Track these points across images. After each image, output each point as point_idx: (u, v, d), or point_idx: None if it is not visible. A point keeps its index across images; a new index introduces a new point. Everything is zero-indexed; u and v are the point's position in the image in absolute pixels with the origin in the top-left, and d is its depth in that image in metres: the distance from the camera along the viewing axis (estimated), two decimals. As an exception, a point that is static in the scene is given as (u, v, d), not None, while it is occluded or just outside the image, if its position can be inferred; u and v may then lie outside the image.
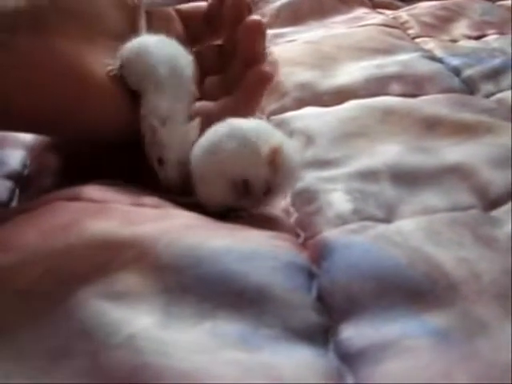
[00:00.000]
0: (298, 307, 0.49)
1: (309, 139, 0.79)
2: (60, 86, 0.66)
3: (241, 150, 0.62)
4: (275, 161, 0.61)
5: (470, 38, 1.20)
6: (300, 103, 0.92)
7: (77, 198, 0.63)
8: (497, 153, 0.72)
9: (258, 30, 0.77)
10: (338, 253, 0.56)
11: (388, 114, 0.84)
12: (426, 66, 1.01)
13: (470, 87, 0.95)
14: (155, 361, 0.42)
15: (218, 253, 0.53)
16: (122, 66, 0.69)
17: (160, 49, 0.70)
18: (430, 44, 1.15)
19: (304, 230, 0.63)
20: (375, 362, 0.43)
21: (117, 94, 0.69)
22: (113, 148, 0.70)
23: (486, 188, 0.66)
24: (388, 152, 0.74)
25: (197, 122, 0.67)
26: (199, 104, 0.74)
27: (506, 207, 0.62)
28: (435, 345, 0.44)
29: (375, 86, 0.94)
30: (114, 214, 0.59)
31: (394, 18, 1.32)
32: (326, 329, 0.48)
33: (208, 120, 0.69)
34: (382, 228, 0.59)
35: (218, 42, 0.84)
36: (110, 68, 0.69)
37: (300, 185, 0.68)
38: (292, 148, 0.63)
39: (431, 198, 0.65)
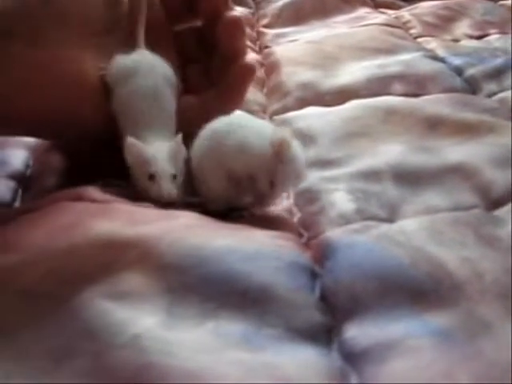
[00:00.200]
0: (301, 307, 0.49)
1: (311, 139, 0.79)
2: (57, 89, 0.67)
3: (243, 145, 0.62)
4: (281, 152, 0.60)
5: (471, 37, 1.20)
6: (302, 103, 0.92)
7: (80, 198, 0.63)
8: (499, 152, 0.72)
9: (237, 27, 0.77)
10: (341, 252, 0.56)
11: (390, 113, 0.84)
12: (428, 66, 1.01)
13: (472, 87, 0.95)
14: (160, 360, 0.42)
15: (221, 253, 0.53)
16: (110, 79, 0.70)
17: (145, 75, 0.70)
18: (432, 44, 1.15)
19: (307, 230, 0.63)
20: (379, 362, 0.43)
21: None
22: (113, 148, 0.70)
23: (488, 188, 0.66)
24: (390, 152, 0.74)
25: (179, 137, 0.67)
26: (182, 99, 0.73)
27: (508, 207, 0.62)
28: (438, 345, 0.44)
29: (377, 86, 0.94)
30: (118, 214, 0.59)
31: (396, 17, 1.33)
32: (330, 329, 0.48)
33: (191, 114, 0.69)
34: (384, 228, 0.59)
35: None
36: (102, 72, 0.69)
37: (303, 185, 0.68)
38: (296, 143, 0.63)
39: (433, 197, 0.65)
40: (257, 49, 1.21)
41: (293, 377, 0.42)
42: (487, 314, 0.47)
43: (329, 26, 1.27)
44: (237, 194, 0.64)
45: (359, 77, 0.97)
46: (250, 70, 0.77)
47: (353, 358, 0.45)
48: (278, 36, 1.25)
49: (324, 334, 0.47)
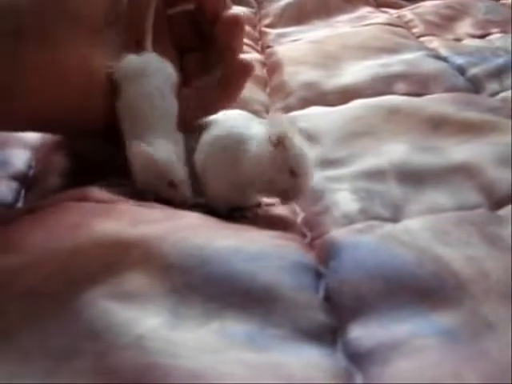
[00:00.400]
0: (305, 307, 0.49)
1: (314, 139, 0.79)
2: (66, 86, 0.67)
3: (245, 151, 0.62)
4: (282, 144, 0.60)
5: (474, 36, 1.20)
6: (305, 103, 0.92)
7: (84, 199, 0.63)
8: (502, 152, 0.71)
9: (237, 25, 0.77)
10: (346, 252, 0.56)
11: (393, 113, 0.84)
12: (430, 65, 1.01)
13: (475, 86, 0.95)
14: (164, 361, 0.42)
15: (224, 253, 0.53)
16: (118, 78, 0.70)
17: (152, 76, 0.70)
18: (435, 43, 1.15)
19: (310, 230, 0.63)
20: (384, 362, 0.43)
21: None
22: (115, 146, 0.70)
23: (491, 187, 0.65)
24: (394, 151, 0.74)
25: (180, 137, 0.67)
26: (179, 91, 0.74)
27: (510, 207, 0.62)
28: (444, 344, 0.44)
29: (380, 86, 0.94)
30: (122, 214, 0.59)
31: (399, 16, 1.33)
32: (334, 329, 0.48)
33: (187, 107, 0.69)
34: (388, 227, 0.59)
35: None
36: (110, 71, 0.69)
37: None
38: (293, 131, 0.62)
39: (437, 197, 0.65)
40: (259, 48, 1.21)
41: (298, 377, 0.42)
42: (492, 313, 0.47)
43: (331, 25, 1.27)
44: (243, 197, 0.64)
45: (362, 76, 0.97)
46: (247, 67, 0.77)
47: (358, 359, 0.45)
48: (281, 36, 1.25)
49: (328, 335, 0.47)
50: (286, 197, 0.63)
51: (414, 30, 1.23)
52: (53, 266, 0.52)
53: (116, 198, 0.64)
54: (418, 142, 0.76)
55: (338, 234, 0.60)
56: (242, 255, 0.53)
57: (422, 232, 0.57)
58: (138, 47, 0.72)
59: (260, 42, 1.25)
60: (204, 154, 0.65)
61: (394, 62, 1.01)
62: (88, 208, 0.61)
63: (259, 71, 1.06)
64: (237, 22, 0.77)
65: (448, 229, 0.58)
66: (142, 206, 0.62)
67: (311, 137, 0.79)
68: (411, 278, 0.51)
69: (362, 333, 0.47)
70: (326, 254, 0.57)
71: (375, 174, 0.69)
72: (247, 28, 1.27)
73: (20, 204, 0.71)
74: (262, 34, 1.29)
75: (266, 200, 0.67)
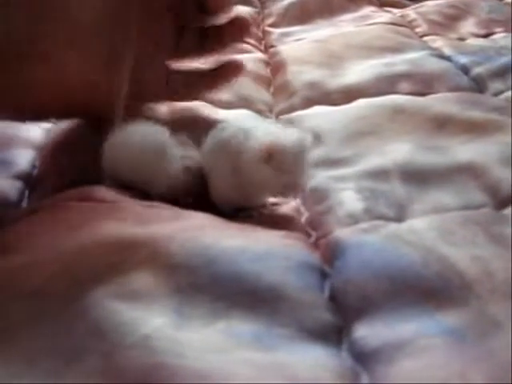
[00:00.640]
0: (311, 307, 0.49)
1: (318, 138, 0.79)
2: (68, 99, 0.68)
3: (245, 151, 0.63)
4: (272, 157, 0.61)
5: (477, 36, 1.20)
6: (309, 102, 0.92)
7: (88, 198, 0.63)
8: (507, 151, 0.71)
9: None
10: (351, 252, 0.56)
11: (397, 112, 0.84)
12: (434, 65, 1.01)
13: (479, 85, 0.95)
14: (170, 361, 0.42)
15: (230, 253, 0.53)
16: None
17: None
18: (438, 42, 1.15)
19: (315, 230, 0.63)
20: (390, 362, 0.43)
21: None
22: None
23: (496, 186, 0.65)
24: (398, 151, 0.74)
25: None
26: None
27: (516, 206, 0.62)
28: (450, 344, 0.44)
29: (384, 85, 0.94)
30: (127, 214, 0.59)
31: (402, 16, 1.33)
32: (340, 328, 0.48)
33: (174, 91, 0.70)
34: (393, 227, 0.59)
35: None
36: None
37: (310, 184, 0.68)
38: (290, 140, 0.63)
39: (442, 196, 0.65)
40: (262, 48, 1.21)
41: (304, 377, 0.42)
42: (498, 313, 0.47)
43: (335, 24, 1.27)
44: (247, 197, 0.65)
45: (366, 76, 0.96)
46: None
47: (363, 358, 0.45)
48: (284, 35, 1.25)
49: (334, 334, 0.47)
50: (288, 194, 0.65)
51: (418, 30, 1.23)
52: (57, 266, 0.52)
53: (120, 197, 0.64)
54: (422, 142, 0.76)
55: (343, 233, 0.60)
56: (247, 255, 0.53)
57: (427, 232, 0.57)
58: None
59: (263, 42, 1.25)
60: (209, 156, 0.65)
61: (398, 62, 1.01)
62: (92, 208, 0.61)
63: (263, 71, 1.06)
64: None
65: (453, 228, 0.58)
66: (147, 205, 0.62)
67: (315, 136, 0.79)
68: (416, 277, 0.51)
69: (368, 332, 0.47)
70: (331, 253, 0.57)
71: (379, 174, 0.69)
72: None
73: (24, 204, 0.71)
74: (266, 33, 1.29)
75: (271, 200, 0.67)
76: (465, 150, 0.73)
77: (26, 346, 0.46)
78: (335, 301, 0.51)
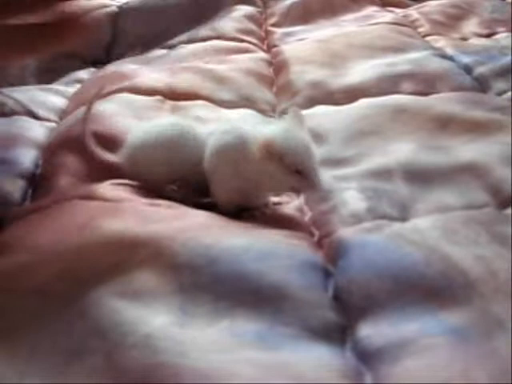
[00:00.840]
0: (314, 306, 0.49)
1: (321, 138, 0.79)
2: None
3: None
4: (270, 152, 0.61)
5: (480, 35, 1.20)
6: (311, 102, 0.92)
7: (91, 197, 0.63)
8: (509, 151, 0.71)
9: None
10: (354, 252, 0.56)
11: (400, 112, 0.84)
12: (437, 64, 1.01)
13: (481, 85, 0.95)
14: (172, 360, 0.42)
15: (234, 252, 0.53)
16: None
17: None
18: (441, 42, 1.14)
19: (318, 229, 0.63)
20: (394, 361, 0.43)
21: None
22: None
23: (499, 186, 0.65)
24: (401, 150, 0.74)
25: None
26: None
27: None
28: (453, 343, 0.44)
29: (386, 85, 0.94)
30: (130, 213, 0.59)
31: (404, 16, 1.33)
32: (343, 328, 0.48)
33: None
34: (396, 226, 0.59)
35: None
36: None
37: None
38: (286, 136, 0.63)
39: (445, 196, 0.64)
40: (265, 48, 1.21)
41: (308, 376, 0.42)
42: (501, 312, 0.47)
43: (337, 24, 1.27)
44: (249, 198, 0.65)
45: (368, 75, 0.96)
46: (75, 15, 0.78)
47: (367, 357, 0.45)
48: (286, 35, 1.25)
49: (338, 333, 0.47)
50: (298, 192, 0.65)
51: (420, 30, 1.23)
52: (59, 265, 0.52)
53: (123, 197, 0.64)
54: (424, 142, 0.76)
55: (346, 233, 0.60)
56: (251, 254, 0.53)
57: (431, 231, 0.57)
58: None
59: (266, 41, 1.25)
60: (211, 158, 0.66)
61: (400, 62, 1.01)
62: (95, 206, 0.61)
63: (265, 70, 1.06)
64: None
65: (456, 228, 0.58)
66: (151, 204, 0.62)
67: (318, 136, 0.79)
68: (420, 276, 0.51)
69: (371, 332, 0.47)
70: (335, 253, 0.57)
71: (382, 173, 0.69)
72: (253, 27, 1.28)
73: (27, 202, 0.71)
74: (268, 33, 1.29)
75: (274, 199, 0.67)
76: (467, 150, 0.73)
77: (28, 343, 0.46)
78: (339, 300, 0.51)
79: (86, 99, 0.92)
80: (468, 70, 1.00)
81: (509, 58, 1.02)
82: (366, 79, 0.95)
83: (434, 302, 0.48)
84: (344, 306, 0.50)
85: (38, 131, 0.86)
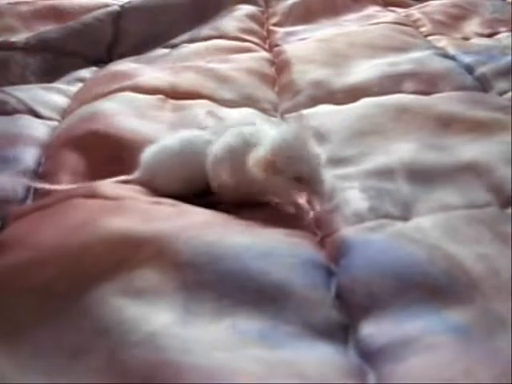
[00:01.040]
0: (317, 305, 0.49)
1: (323, 137, 0.79)
2: None
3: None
4: (269, 170, 0.62)
5: (481, 35, 1.20)
6: (313, 101, 0.92)
7: (93, 195, 0.63)
8: (511, 150, 0.71)
9: None
10: (357, 250, 0.56)
11: (402, 111, 0.84)
12: (438, 64, 1.01)
13: (483, 85, 0.95)
14: (176, 358, 0.42)
15: (236, 250, 0.53)
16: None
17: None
18: (443, 42, 1.14)
19: (321, 228, 0.62)
20: (397, 360, 0.43)
21: None
22: None
23: (501, 185, 0.65)
24: (403, 150, 0.74)
25: None
26: None
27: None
28: (456, 342, 0.44)
29: (388, 84, 0.94)
30: (132, 211, 0.59)
31: (406, 15, 1.33)
32: (346, 326, 0.48)
33: None
34: (399, 226, 0.59)
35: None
36: None
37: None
38: (285, 146, 0.63)
39: (447, 195, 0.64)
40: (267, 47, 1.21)
41: (311, 374, 0.42)
42: (503, 310, 0.47)
43: (339, 24, 1.27)
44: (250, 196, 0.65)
45: (370, 75, 0.96)
46: None
47: (370, 356, 0.45)
48: (288, 34, 1.25)
49: (340, 332, 0.47)
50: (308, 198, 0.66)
51: (422, 29, 1.23)
52: (62, 263, 0.52)
53: (126, 194, 0.64)
54: (426, 141, 0.76)
55: (349, 232, 0.59)
56: (253, 252, 0.53)
57: (433, 230, 0.57)
58: None
59: (268, 41, 1.25)
60: (214, 158, 0.66)
61: (402, 61, 1.01)
62: (97, 205, 0.61)
63: (267, 70, 1.06)
64: None
65: (458, 227, 0.58)
66: (152, 202, 0.62)
67: (320, 135, 0.79)
68: (422, 275, 0.51)
69: (374, 330, 0.47)
70: (337, 252, 0.57)
71: (384, 173, 0.69)
72: (255, 27, 1.28)
73: (29, 201, 0.71)
74: (270, 32, 1.29)
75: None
76: (469, 150, 0.73)
77: (32, 341, 0.46)
78: (341, 299, 0.51)
79: (88, 98, 0.93)
80: (470, 69, 1.00)
81: (510, 57, 1.02)
82: (368, 79, 0.95)
83: (436, 300, 0.48)
84: (346, 304, 0.50)
85: (40, 130, 0.86)
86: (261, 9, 1.40)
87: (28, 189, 0.73)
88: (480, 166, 0.69)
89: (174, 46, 1.20)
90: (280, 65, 1.08)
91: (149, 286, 0.49)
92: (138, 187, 0.67)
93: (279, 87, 1.00)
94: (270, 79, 1.03)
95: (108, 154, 0.76)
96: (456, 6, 1.34)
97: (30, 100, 0.93)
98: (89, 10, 1.32)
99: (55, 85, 1.04)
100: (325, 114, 0.87)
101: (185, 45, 1.19)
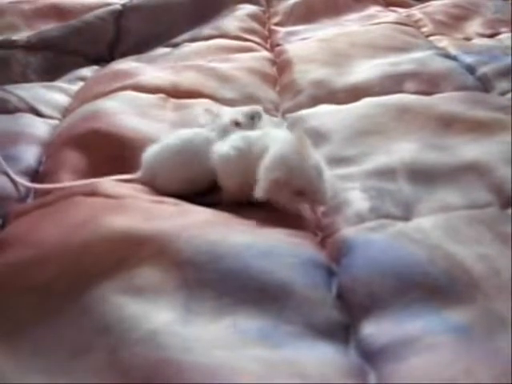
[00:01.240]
0: (318, 304, 0.49)
1: (324, 137, 0.79)
2: None
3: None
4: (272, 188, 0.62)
5: (483, 36, 1.20)
6: (314, 101, 0.92)
7: (94, 194, 0.63)
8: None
9: None
10: (358, 250, 0.56)
11: (403, 111, 0.84)
12: (440, 64, 1.01)
13: (484, 85, 0.95)
14: (177, 356, 0.42)
15: (238, 249, 0.53)
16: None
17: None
18: (444, 42, 1.14)
19: (322, 229, 0.63)
20: (398, 360, 0.43)
21: None
22: None
23: (502, 186, 0.65)
24: (404, 150, 0.74)
25: None
26: None
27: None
28: (457, 342, 0.44)
29: (390, 84, 0.93)
30: (133, 209, 0.59)
31: (408, 16, 1.33)
32: (347, 326, 0.48)
33: None
34: (400, 226, 0.59)
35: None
36: None
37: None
38: (286, 161, 0.63)
39: (448, 195, 0.64)
40: (268, 47, 1.21)
41: (312, 374, 0.42)
42: (504, 310, 0.47)
43: (340, 24, 1.27)
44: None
45: (371, 75, 0.96)
46: None
47: (371, 356, 0.45)
48: (290, 34, 1.25)
49: (341, 332, 0.47)
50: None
51: (423, 29, 1.23)
52: (63, 261, 0.52)
53: (126, 193, 0.64)
54: (427, 141, 0.76)
55: (350, 232, 0.59)
56: (255, 251, 0.53)
57: (434, 230, 0.57)
58: None
59: (269, 41, 1.25)
60: (221, 159, 0.67)
61: (404, 61, 1.01)
62: (98, 203, 0.61)
63: (269, 69, 1.06)
64: None
65: (460, 227, 0.58)
66: (153, 201, 0.62)
67: (321, 135, 0.79)
68: (423, 275, 0.51)
69: (375, 330, 0.47)
70: (338, 252, 0.57)
71: (385, 173, 0.69)
72: (257, 26, 1.28)
73: (30, 199, 0.71)
74: (271, 32, 1.29)
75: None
76: (470, 150, 0.73)
77: (32, 339, 0.46)
78: (342, 299, 0.51)
79: (89, 97, 0.93)
80: (471, 69, 1.00)
81: (510, 58, 1.02)
82: (370, 78, 0.95)
83: (437, 300, 0.48)
84: (347, 304, 0.50)
85: (41, 128, 0.86)
86: (262, 8, 1.40)
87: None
88: (481, 166, 0.69)
89: (175, 45, 1.20)
90: (281, 64, 1.08)
91: (150, 285, 0.49)
92: (139, 186, 0.67)
93: (280, 87, 1.00)
94: (272, 79, 1.03)
95: (109, 152, 0.76)
96: (457, 6, 1.34)
97: (32, 98, 0.93)
98: (90, 8, 1.32)
99: (56, 83, 1.04)
100: (326, 114, 0.87)
101: (186, 44, 1.18)
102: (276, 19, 1.35)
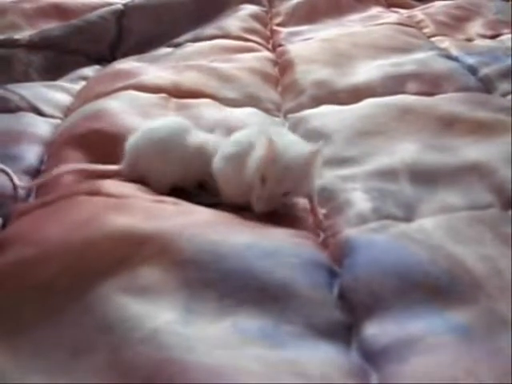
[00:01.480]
0: (320, 305, 0.49)
1: (326, 137, 0.78)
2: None
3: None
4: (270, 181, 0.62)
5: (485, 36, 1.20)
6: (316, 101, 0.92)
7: (96, 193, 0.63)
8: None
9: None
10: (360, 251, 0.56)
11: (405, 112, 0.84)
12: (442, 65, 1.01)
13: (486, 86, 0.95)
14: (179, 356, 0.42)
15: (240, 249, 0.53)
16: None
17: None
18: (446, 43, 1.14)
19: (324, 229, 0.63)
20: (399, 360, 0.43)
21: None
22: None
23: (503, 187, 0.65)
24: (406, 150, 0.74)
25: None
26: None
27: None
28: (459, 342, 0.44)
29: (392, 85, 0.94)
30: (135, 209, 0.59)
31: (409, 16, 1.33)
32: (349, 326, 0.48)
33: None
34: (402, 226, 0.59)
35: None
36: None
37: (319, 183, 0.68)
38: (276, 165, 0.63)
39: (450, 196, 0.64)
40: (270, 47, 1.21)
41: (313, 374, 0.42)
42: (506, 311, 0.47)
43: (342, 24, 1.27)
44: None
45: (374, 75, 0.96)
46: None
47: (373, 356, 0.45)
48: (292, 34, 1.25)
49: (343, 332, 0.47)
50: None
51: (425, 30, 1.23)
52: (65, 261, 0.52)
53: (129, 193, 0.64)
54: (429, 142, 0.76)
55: (352, 233, 0.59)
56: (256, 252, 0.53)
57: (436, 231, 0.57)
58: None
59: (271, 41, 1.25)
60: (220, 161, 0.68)
61: (406, 62, 1.01)
62: (100, 202, 0.61)
63: (270, 70, 1.06)
64: None
65: (461, 228, 0.58)
66: (155, 200, 0.62)
67: (323, 135, 0.79)
68: (426, 275, 0.51)
69: (377, 330, 0.47)
70: (340, 252, 0.57)
71: (387, 174, 0.69)
72: (259, 26, 1.28)
73: (32, 198, 0.71)
74: (274, 32, 1.29)
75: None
76: (472, 150, 0.73)
77: (34, 337, 0.46)
78: (344, 299, 0.51)
79: (91, 96, 0.93)
80: (473, 70, 1.00)
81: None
82: (371, 79, 0.95)
83: (439, 300, 0.48)
84: (349, 304, 0.50)
85: (42, 128, 0.86)
86: (264, 9, 1.40)
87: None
88: (482, 167, 0.69)
89: (177, 45, 1.20)
90: (283, 65, 1.08)
91: (152, 284, 0.49)
92: (142, 186, 0.67)
93: (282, 87, 1.00)
94: (273, 79, 1.03)
95: (110, 152, 0.76)
96: (459, 7, 1.34)
97: (33, 98, 0.93)
98: (92, 8, 1.32)
99: (58, 83, 1.04)
100: (328, 114, 0.87)
101: (188, 44, 1.18)
102: (278, 19, 1.35)
